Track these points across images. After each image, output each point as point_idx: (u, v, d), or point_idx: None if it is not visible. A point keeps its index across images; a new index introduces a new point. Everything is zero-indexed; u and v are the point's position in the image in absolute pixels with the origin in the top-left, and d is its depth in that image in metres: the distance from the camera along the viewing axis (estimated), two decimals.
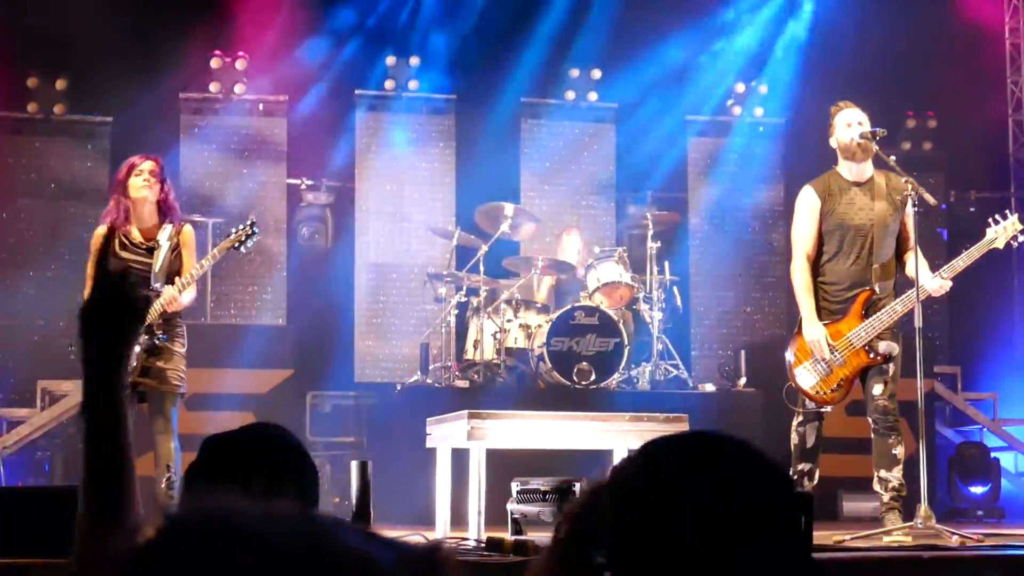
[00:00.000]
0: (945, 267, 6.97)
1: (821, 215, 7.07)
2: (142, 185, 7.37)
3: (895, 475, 6.85)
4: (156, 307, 7.15)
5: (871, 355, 6.95)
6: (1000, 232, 7.14)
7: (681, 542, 1.60)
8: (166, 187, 7.48)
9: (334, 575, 1.10)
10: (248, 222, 7.62)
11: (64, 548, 2.05)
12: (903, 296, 6.95)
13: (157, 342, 7.18)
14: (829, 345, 6.95)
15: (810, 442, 7.08)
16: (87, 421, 2.07)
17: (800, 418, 7.10)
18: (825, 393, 7.02)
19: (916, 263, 6.81)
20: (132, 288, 2.14)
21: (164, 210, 7.45)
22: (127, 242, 7.36)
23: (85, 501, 2.04)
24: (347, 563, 1.11)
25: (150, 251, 7.32)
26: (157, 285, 7.20)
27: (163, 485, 6.84)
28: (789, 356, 7.14)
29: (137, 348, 7.03)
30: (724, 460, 1.68)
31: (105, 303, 2.10)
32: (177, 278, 7.27)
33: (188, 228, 7.50)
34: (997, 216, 7.24)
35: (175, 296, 7.19)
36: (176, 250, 7.35)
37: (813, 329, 6.96)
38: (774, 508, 1.65)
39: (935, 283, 6.90)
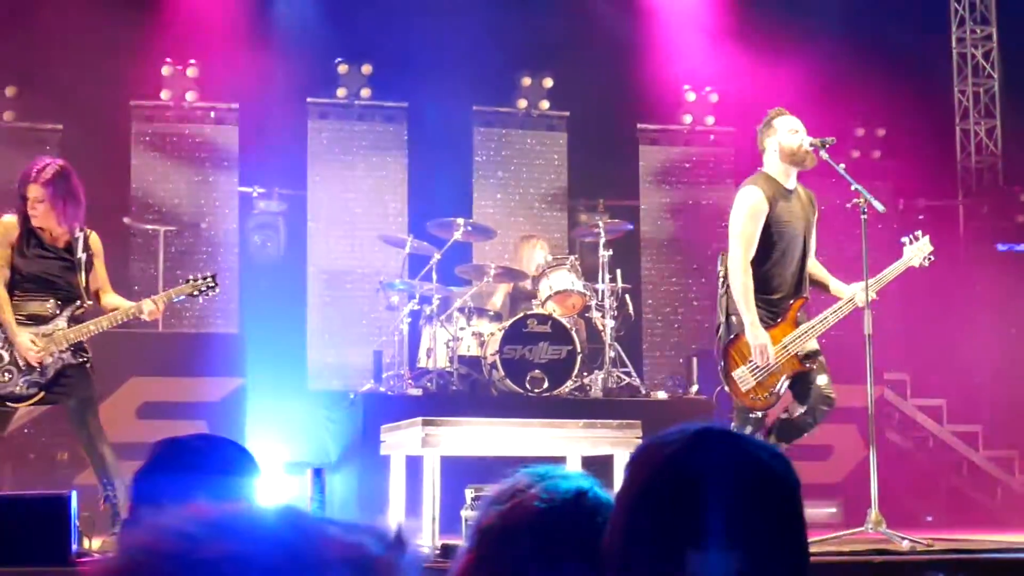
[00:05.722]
0: (872, 280, 6.98)
1: (768, 219, 6.99)
2: (34, 217, 6.85)
3: None
4: (107, 324, 6.96)
5: (804, 363, 7.01)
6: (916, 252, 7.23)
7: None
8: (59, 206, 6.85)
9: (336, 569, 1.10)
10: (210, 274, 7.33)
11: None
12: (834, 306, 7.05)
13: (83, 358, 6.94)
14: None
15: None
16: None
17: (736, 423, 7.12)
18: (760, 398, 7.04)
19: (865, 271, 6.88)
20: None
21: (67, 219, 6.93)
22: (40, 240, 6.92)
23: None
24: (344, 556, 1.11)
25: (65, 253, 6.95)
26: (89, 303, 6.99)
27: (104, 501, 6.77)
28: (724, 360, 7.12)
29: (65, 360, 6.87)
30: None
31: None
32: (156, 296, 7.07)
33: (95, 236, 7.09)
34: (912, 236, 7.31)
35: (158, 312, 7.01)
36: (91, 261, 7.02)
37: (759, 334, 6.89)
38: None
39: (862, 296, 6.98)
